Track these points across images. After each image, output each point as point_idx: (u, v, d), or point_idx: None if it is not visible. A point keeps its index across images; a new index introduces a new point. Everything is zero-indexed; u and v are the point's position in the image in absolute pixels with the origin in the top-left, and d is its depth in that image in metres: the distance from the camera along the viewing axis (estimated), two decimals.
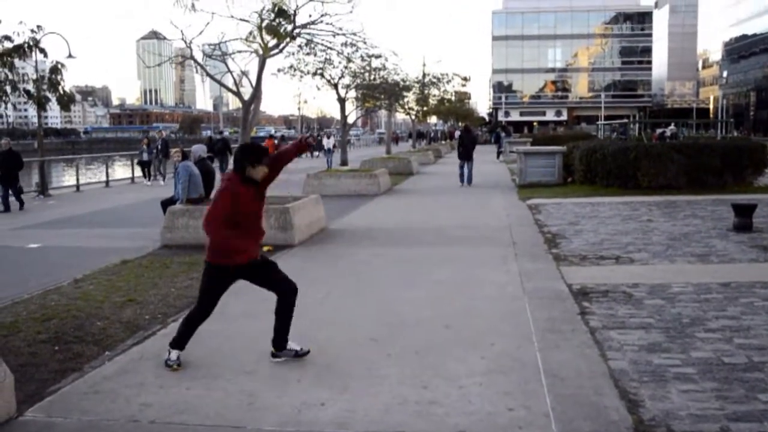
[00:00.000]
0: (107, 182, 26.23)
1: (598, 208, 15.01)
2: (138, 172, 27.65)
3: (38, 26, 8.62)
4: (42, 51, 8.91)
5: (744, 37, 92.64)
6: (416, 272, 8.76)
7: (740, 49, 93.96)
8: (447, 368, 5.18)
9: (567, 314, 6.65)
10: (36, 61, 15.35)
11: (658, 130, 39.26)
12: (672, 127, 38.99)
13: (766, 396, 4.54)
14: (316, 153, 51.11)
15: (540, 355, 5.43)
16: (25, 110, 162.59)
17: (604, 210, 14.73)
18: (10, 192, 17.69)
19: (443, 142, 66.79)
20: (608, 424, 4.17)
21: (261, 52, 12.46)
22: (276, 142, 37.61)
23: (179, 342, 5.43)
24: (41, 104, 9.06)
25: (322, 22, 13.09)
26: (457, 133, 39.15)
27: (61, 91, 8.67)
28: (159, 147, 26.60)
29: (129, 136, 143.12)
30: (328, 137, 40.84)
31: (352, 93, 26.49)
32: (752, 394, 4.59)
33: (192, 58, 13.08)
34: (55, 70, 8.62)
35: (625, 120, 60.05)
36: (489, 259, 9.63)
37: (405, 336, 5.95)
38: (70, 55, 24.37)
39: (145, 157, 26.71)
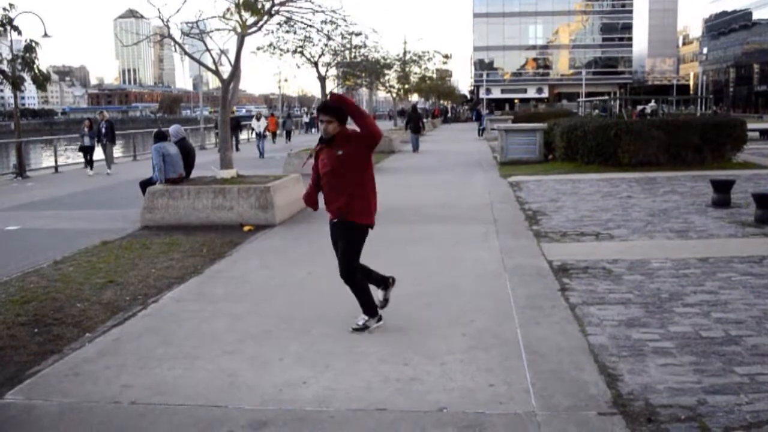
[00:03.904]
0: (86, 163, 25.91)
1: (578, 185, 15.08)
2: (80, 158, 23.99)
3: (11, 4, 8.47)
4: (16, 29, 8.76)
5: (724, 13, 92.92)
6: (397, 250, 8.76)
7: (720, 26, 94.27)
8: (428, 346, 5.21)
9: (547, 291, 6.69)
10: (11, 41, 15.16)
11: (639, 107, 39.48)
12: (652, 103, 39.22)
13: (742, 369, 4.60)
14: (313, 129, 51.24)
15: (520, 332, 5.47)
16: (1, 90, 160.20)
17: (584, 187, 14.80)
18: None
19: (425, 120, 66.42)
20: (588, 399, 4.21)
21: (239, 29, 12.34)
22: (278, 119, 36.83)
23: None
24: (16, 84, 8.93)
25: None
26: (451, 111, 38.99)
27: (36, 71, 8.54)
28: (103, 130, 22.79)
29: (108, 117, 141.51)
30: (258, 119, 31.68)
31: (333, 71, 26.34)
32: (729, 367, 4.65)
33: (170, 36, 12.94)
34: (30, 48, 8.52)
35: (606, 97, 60.19)
36: (470, 236, 9.65)
37: (386, 314, 5.95)
38: (45, 34, 23.83)
39: (87, 141, 22.58)
